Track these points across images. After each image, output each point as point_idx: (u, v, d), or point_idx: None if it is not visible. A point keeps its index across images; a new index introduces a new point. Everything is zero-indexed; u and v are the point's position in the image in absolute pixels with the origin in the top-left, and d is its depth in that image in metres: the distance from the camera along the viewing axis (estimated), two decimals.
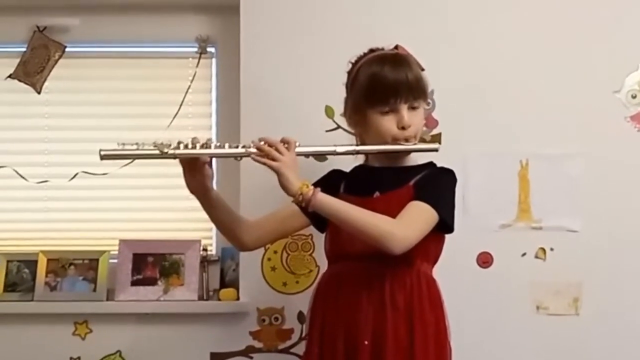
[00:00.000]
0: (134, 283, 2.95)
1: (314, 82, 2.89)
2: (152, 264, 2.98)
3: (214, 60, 3.13)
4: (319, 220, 2.40)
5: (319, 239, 2.70)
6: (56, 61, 3.08)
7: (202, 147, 2.23)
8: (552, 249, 2.88)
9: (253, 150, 2.22)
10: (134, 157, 2.27)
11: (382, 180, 2.37)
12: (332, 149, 2.35)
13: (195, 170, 2.28)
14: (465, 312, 2.62)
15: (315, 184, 2.29)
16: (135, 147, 2.19)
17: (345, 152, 2.37)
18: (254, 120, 2.85)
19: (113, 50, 3.15)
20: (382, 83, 2.30)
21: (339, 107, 2.72)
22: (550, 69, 2.89)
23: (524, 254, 2.88)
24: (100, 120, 3.11)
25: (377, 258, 2.25)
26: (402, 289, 2.29)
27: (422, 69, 2.38)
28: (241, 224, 2.42)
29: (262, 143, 2.22)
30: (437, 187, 2.32)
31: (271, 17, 2.93)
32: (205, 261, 3.00)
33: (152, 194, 3.12)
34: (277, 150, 2.20)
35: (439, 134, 2.85)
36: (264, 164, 2.20)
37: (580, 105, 2.88)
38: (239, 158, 2.31)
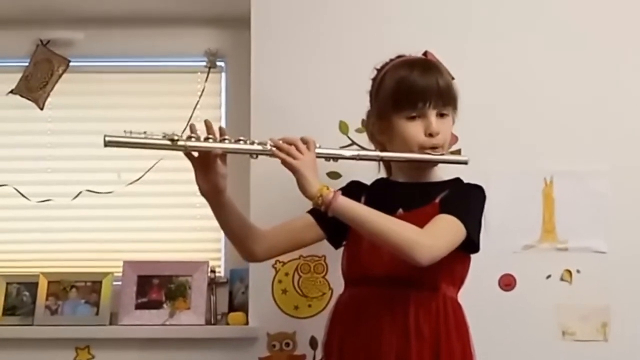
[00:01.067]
0: (139, 306, 2.88)
1: (328, 97, 2.82)
2: (157, 286, 2.90)
3: (223, 74, 3.09)
4: (335, 234, 2.30)
5: (333, 260, 2.64)
6: (60, 76, 3.05)
7: (215, 141, 2.12)
8: (578, 271, 2.78)
9: (271, 148, 2.13)
10: (141, 145, 2.09)
11: (406, 196, 2.26)
12: (354, 153, 2.26)
13: (207, 167, 2.13)
14: (486, 337, 2.49)
15: None
16: (143, 135, 2.07)
17: (368, 157, 2.27)
18: (265, 137, 2.70)
19: (119, 64, 3.12)
20: (411, 87, 2.20)
21: (353, 123, 2.73)
22: (575, 81, 2.81)
23: (548, 277, 2.78)
24: None
25: (401, 282, 2.15)
26: (428, 316, 2.17)
27: (452, 78, 2.29)
28: (253, 233, 2.28)
29: (281, 142, 2.12)
30: (466, 202, 2.21)
31: (283, 30, 2.86)
32: (213, 283, 2.93)
33: (158, 213, 3.08)
34: (296, 148, 2.11)
35: (459, 150, 2.76)
36: (283, 160, 2.09)
37: (607, 120, 2.80)
38: (254, 156, 2.17)
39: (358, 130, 2.74)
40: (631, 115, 2.81)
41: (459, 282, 2.26)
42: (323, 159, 2.22)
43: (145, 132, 2.08)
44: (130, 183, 2.95)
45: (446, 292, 2.21)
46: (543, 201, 2.78)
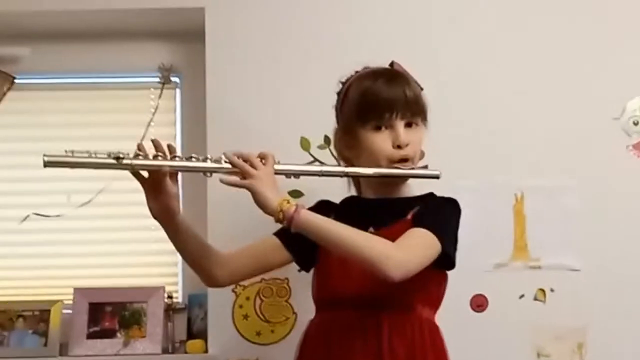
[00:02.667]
0: (91, 336, 2.78)
1: (288, 113, 2.76)
2: (110, 314, 2.82)
3: (178, 90, 3.03)
4: (303, 257, 2.20)
5: (296, 283, 2.63)
6: (4, 94, 2.95)
7: (165, 159, 2.03)
8: (552, 290, 2.73)
9: (225, 165, 2.02)
10: (84, 165, 1.99)
11: (376, 213, 2.16)
12: (317, 168, 2.16)
13: (158, 188, 2.04)
14: None
15: None
16: (86, 154, 1.97)
17: (333, 172, 2.16)
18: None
19: (67, 81, 3.05)
20: (376, 97, 2.12)
21: (315, 139, 2.67)
22: (546, 94, 2.78)
23: (521, 296, 2.73)
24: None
25: (372, 303, 2.06)
26: (403, 339, 2.07)
27: (421, 89, 2.22)
28: (212, 256, 2.18)
29: (235, 157, 2.02)
30: (440, 216, 2.12)
31: (239, 44, 2.80)
32: (170, 310, 2.85)
33: (110, 236, 2.99)
34: (251, 165, 2.00)
35: (426, 166, 2.64)
36: (234, 185, 2.00)
37: (579, 134, 2.76)
38: (208, 174, 2.08)
39: (320, 147, 2.68)
40: (603, 127, 2.77)
41: (435, 302, 2.17)
42: (284, 177, 2.12)
43: (88, 151, 1.98)
44: (81, 205, 2.86)
45: (422, 313, 2.11)
46: (514, 218, 2.74)
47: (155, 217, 2.09)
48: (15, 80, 2.94)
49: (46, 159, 1.95)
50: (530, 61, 2.78)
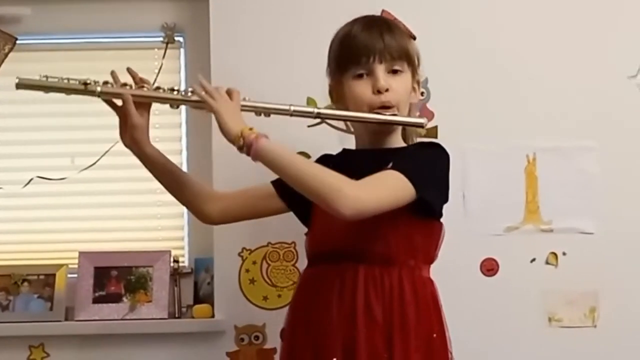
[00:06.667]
0: (96, 300, 2.78)
1: (294, 73, 2.73)
2: (116, 278, 2.81)
3: (182, 50, 2.97)
4: (300, 206, 2.16)
5: (303, 247, 2.52)
6: (6, 55, 2.90)
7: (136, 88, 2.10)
8: (564, 254, 2.70)
9: (192, 98, 2.07)
10: (53, 89, 2.09)
11: (361, 164, 2.08)
12: (286, 107, 2.13)
13: (125, 117, 2.09)
14: (468, 325, 2.47)
15: None
16: (56, 80, 2.07)
17: (303, 112, 2.15)
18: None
19: (69, 41, 2.99)
20: (352, 42, 2.10)
21: (322, 99, 2.57)
22: (558, 52, 2.73)
23: (533, 260, 2.70)
24: (56, 120, 2.93)
25: (350, 256, 2.02)
26: (380, 294, 2.00)
27: (413, 37, 2.17)
28: (199, 192, 2.24)
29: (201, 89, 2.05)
30: (415, 159, 2.04)
31: (244, 2, 2.77)
32: (176, 274, 2.83)
33: (115, 200, 2.95)
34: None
35: (435, 127, 2.67)
36: (202, 98, 2.02)
37: (592, 93, 2.72)
38: (175, 106, 2.14)
39: (327, 107, 2.59)
40: (617, 86, 2.73)
41: (422, 255, 2.08)
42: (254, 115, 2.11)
43: (61, 77, 2.08)
44: (85, 168, 2.83)
45: (403, 268, 2.03)
46: (526, 180, 2.71)
47: (126, 146, 2.15)
48: (17, 41, 2.88)
49: (18, 81, 2.06)
50: (543, 19, 2.73)
